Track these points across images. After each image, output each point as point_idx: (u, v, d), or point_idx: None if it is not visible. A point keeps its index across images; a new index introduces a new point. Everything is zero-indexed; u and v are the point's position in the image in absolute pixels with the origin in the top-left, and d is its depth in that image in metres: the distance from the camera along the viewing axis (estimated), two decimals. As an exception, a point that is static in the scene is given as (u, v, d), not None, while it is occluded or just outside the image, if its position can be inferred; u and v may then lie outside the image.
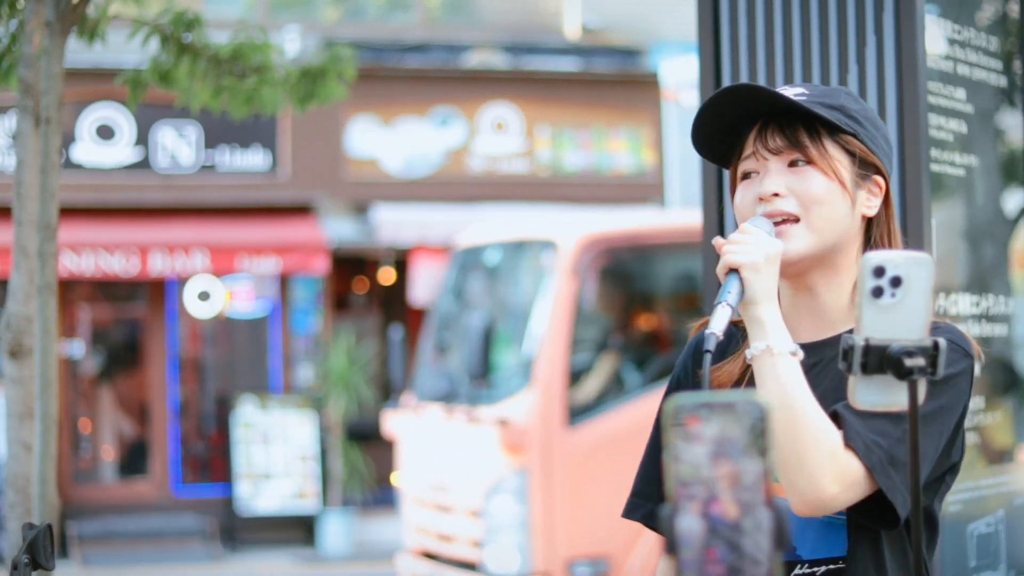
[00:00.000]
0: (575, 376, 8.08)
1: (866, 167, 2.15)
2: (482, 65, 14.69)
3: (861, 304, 1.76)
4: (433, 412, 8.73)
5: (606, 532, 7.65)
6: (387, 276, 15.18)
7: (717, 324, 1.96)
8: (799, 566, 2.10)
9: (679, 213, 10.01)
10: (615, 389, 8.17)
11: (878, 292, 1.75)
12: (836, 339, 2.12)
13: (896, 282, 1.75)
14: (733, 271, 2.02)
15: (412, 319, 14.32)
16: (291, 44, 13.25)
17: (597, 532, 7.71)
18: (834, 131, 2.13)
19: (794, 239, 2.10)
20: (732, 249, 2.03)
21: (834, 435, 1.97)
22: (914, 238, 3.15)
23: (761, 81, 3.36)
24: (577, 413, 7.87)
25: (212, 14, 6.99)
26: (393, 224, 13.97)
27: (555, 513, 7.76)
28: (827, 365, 2.11)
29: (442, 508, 8.49)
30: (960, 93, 3.42)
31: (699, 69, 3.42)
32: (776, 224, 2.11)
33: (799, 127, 2.12)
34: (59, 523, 3.52)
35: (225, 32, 4.06)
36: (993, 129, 3.71)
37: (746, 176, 2.16)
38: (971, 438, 3.45)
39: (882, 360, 1.74)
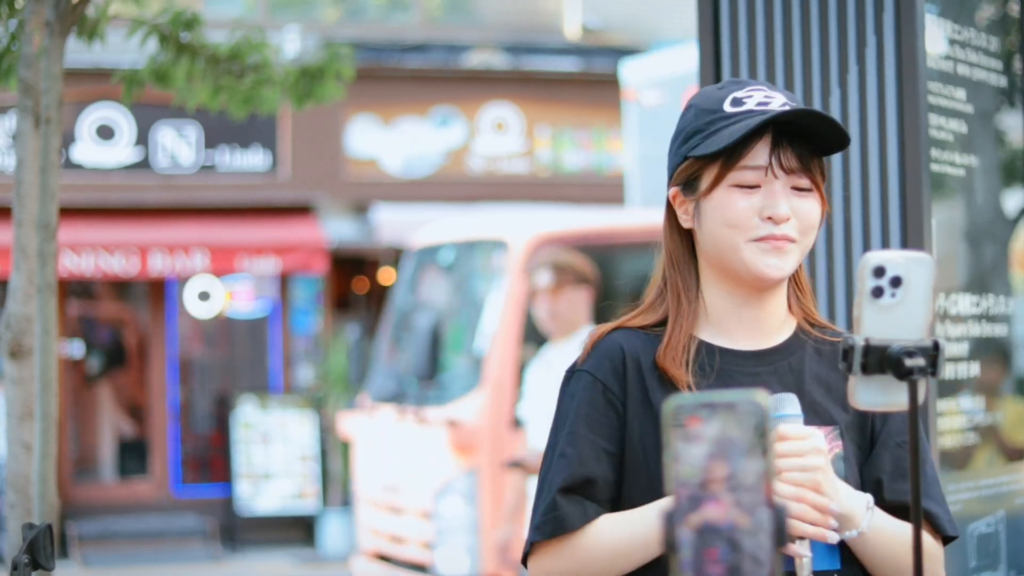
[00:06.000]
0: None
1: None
2: (482, 65, 14.68)
3: (861, 304, 1.75)
4: (386, 413, 8.64)
5: None
6: (387, 276, 15.18)
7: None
8: None
9: (637, 213, 9.43)
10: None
11: (878, 292, 1.75)
12: (782, 346, 2.17)
13: (896, 282, 1.74)
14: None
15: (412, 319, 14.31)
16: (290, 44, 13.24)
17: None
18: (823, 154, 2.14)
19: (789, 260, 2.12)
20: (798, 465, 2.03)
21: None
22: (914, 238, 3.15)
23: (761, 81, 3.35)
24: None
25: (211, 14, 6.99)
26: (393, 224, 13.95)
27: None
28: (776, 370, 2.15)
29: (394, 509, 8.38)
30: (960, 93, 3.42)
31: (699, 69, 3.42)
32: (776, 244, 2.11)
33: (806, 150, 2.11)
34: (59, 523, 3.52)
35: (224, 32, 4.05)
36: (993, 129, 3.71)
37: (742, 185, 2.11)
38: (975, 438, 3.45)
39: (882, 360, 1.73)
